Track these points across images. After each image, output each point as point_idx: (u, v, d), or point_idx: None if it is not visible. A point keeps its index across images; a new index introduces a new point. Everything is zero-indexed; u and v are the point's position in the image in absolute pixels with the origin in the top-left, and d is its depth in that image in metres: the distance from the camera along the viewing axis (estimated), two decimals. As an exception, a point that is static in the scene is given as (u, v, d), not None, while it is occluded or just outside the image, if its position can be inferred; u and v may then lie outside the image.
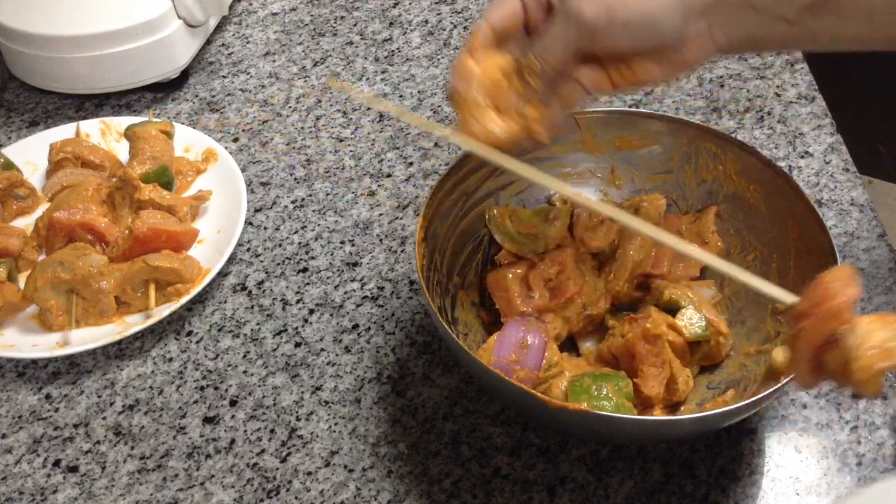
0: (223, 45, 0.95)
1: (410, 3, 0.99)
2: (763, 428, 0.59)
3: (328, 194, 0.78)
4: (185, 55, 0.88)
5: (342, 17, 0.98)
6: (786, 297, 0.47)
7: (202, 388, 0.64)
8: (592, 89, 0.54)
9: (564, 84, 0.54)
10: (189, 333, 0.68)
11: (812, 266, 0.58)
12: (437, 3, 0.99)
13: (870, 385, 0.42)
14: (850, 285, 0.44)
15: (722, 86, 0.86)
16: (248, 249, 0.74)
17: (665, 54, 0.52)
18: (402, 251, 0.73)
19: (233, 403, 0.63)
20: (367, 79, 0.90)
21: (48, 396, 0.64)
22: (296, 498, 0.57)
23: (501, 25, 0.55)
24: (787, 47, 0.55)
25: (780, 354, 0.55)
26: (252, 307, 0.69)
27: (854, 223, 0.72)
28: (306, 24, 0.98)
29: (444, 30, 0.96)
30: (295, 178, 0.80)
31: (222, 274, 0.72)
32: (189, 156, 0.80)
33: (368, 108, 0.86)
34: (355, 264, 0.72)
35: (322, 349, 0.66)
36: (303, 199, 0.78)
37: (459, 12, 0.98)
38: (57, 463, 0.60)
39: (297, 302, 0.69)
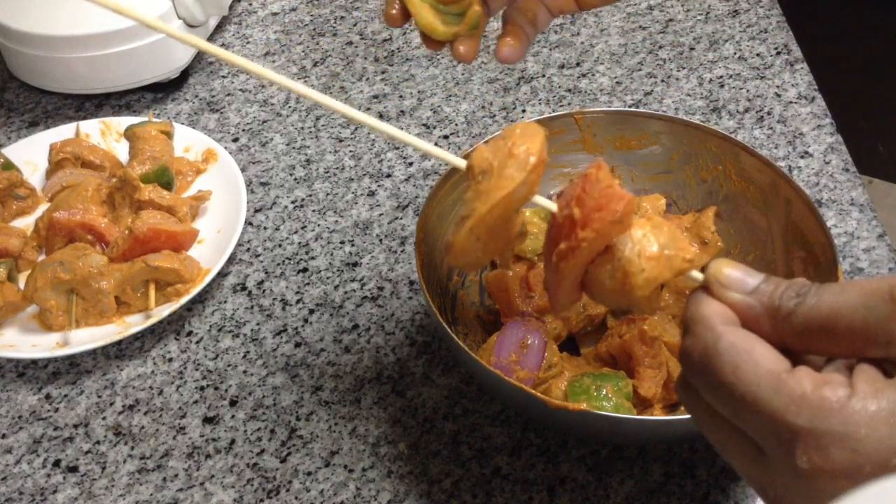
0: (223, 45, 0.95)
1: (410, 3, 0.99)
2: (763, 428, 0.59)
3: (328, 194, 0.78)
4: (185, 55, 0.88)
5: (342, 17, 0.98)
6: (460, 162, 0.41)
7: (202, 388, 0.64)
8: (553, 6, 0.51)
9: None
10: (189, 333, 0.68)
11: (813, 265, 0.58)
12: (437, 3, 0.99)
13: (651, 301, 0.37)
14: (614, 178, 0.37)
15: (722, 86, 0.86)
16: (248, 249, 0.74)
17: None
18: (402, 251, 0.73)
19: (233, 403, 0.63)
20: (367, 79, 0.90)
21: (48, 396, 0.64)
22: (296, 498, 0.57)
23: None
24: None
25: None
26: (252, 307, 0.69)
27: (854, 223, 0.72)
28: (306, 24, 0.98)
29: (444, 30, 0.95)
30: (295, 178, 0.80)
31: (222, 274, 0.72)
32: (189, 156, 0.80)
33: (368, 108, 0.86)
34: (355, 264, 0.72)
35: (322, 349, 0.66)
36: (303, 199, 0.78)
37: (459, 12, 0.98)
38: (57, 463, 0.60)
39: (297, 302, 0.69)
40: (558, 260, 0.38)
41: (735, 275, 0.35)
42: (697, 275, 0.37)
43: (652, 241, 0.36)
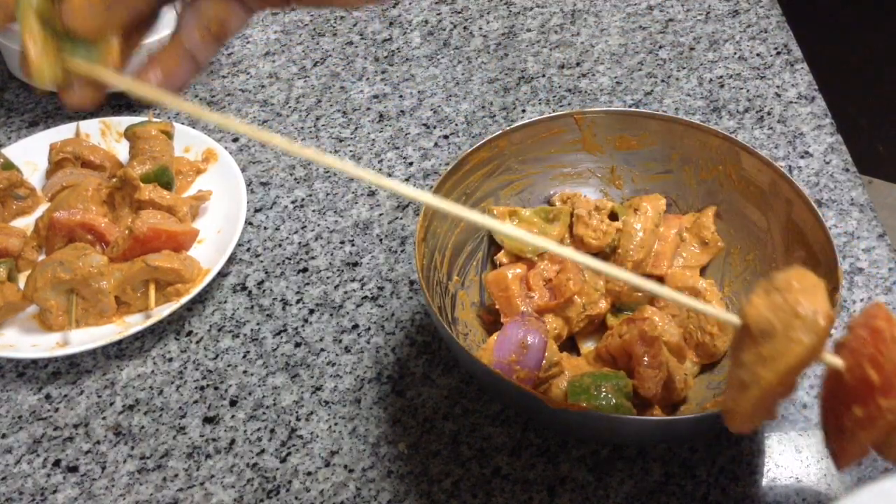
0: (223, 45, 0.95)
1: (410, 3, 0.99)
2: (763, 428, 0.59)
3: (328, 194, 0.78)
4: (185, 55, 0.87)
5: (342, 17, 0.98)
6: (734, 319, 0.38)
7: (202, 388, 0.64)
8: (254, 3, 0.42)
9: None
10: (189, 333, 0.68)
11: (813, 265, 0.58)
12: (437, 3, 0.99)
13: None
14: None
15: (722, 86, 0.86)
16: (248, 249, 0.74)
17: None
18: (402, 251, 0.73)
19: (233, 403, 0.63)
20: (367, 79, 0.90)
21: (48, 396, 0.64)
22: (296, 498, 0.57)
23: None
24: None
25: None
26: (252, 307, 0.69)
27: (854, 223, 0.72)
28: (306, 24, 0.98)
29: (444, 30, 0.96)
30: (295, 178, 0.80)
31: (222, 274, 0.72)
32: (189, 156, 0.80)
33: (368, 108, 0.86)
34: (355, 264, 0.72)
35: (322, 349, 0.66)
36: (303, 199, 0.78)
37: (459, 12, 0.98)
38: (57, 463, 0.60)
39: (297, 302, 0.69)
40: (856, 427, 0.34)
41: None
42: None
43: None
